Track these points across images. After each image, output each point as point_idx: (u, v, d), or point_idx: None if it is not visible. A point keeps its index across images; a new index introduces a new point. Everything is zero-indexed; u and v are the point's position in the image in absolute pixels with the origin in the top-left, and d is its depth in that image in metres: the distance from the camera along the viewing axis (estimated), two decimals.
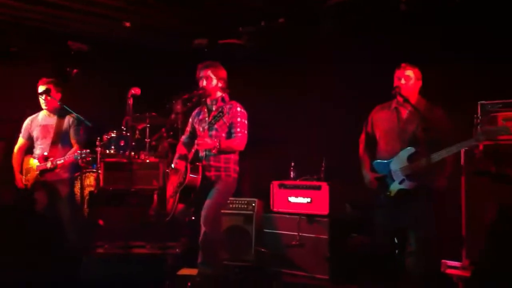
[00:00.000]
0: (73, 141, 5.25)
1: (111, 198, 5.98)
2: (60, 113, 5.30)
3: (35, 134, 5.33)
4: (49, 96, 5.20)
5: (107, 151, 6.21)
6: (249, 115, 4.67)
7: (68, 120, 5.30)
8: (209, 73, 4.61)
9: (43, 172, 5.13)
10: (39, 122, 5.36)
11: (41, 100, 5.26)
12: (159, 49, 7.41)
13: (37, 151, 5.28)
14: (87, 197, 6.17)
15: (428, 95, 4.35)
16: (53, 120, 5.31)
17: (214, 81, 4.62)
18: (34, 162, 5.20)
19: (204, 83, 4.61)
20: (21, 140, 5.42)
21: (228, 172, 4.57)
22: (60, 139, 5.24)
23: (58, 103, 5.22)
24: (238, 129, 4.53)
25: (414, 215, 4.09)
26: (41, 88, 5.24)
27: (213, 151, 4.46)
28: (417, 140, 4.13)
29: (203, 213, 4.43)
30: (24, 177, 5.26)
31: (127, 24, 6.57)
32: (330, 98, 6.13)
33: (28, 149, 5.38)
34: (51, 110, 5.32)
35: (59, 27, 6.78)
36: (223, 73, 4.67)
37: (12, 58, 6.74)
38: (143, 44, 7.33)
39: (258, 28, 6.51)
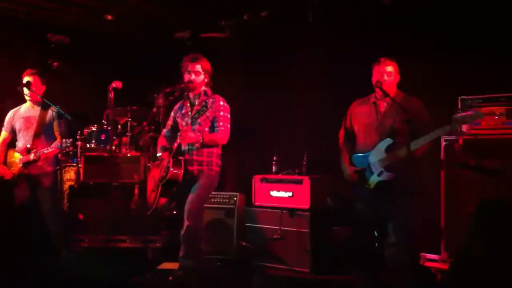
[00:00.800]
0: (56, 133, 5.20)
1: (91, 192, 5.93)
2: (44, 105, 5.22)
3: (17, 126, 5.26)
4: (29, 88, 5.10)
5: (88, 145, 6.16)
6: (232, 109, 4.67)
7: (51, 112, 5.22)
8: (198, 67, 4.58)
9: (26, 164, 5.05)
10: (21, 114, 5.29)
11: (25, 91, 5.19)
12: (141, 42, 7.37)
13: (20, 143, 5.22)
14: (67, 191, 6.12)
15: (411, 90, 4.39)
16: (36, 112, 5.23)
17: (202, 76, 4.60)
18: (16, 155, 5.15)
19: (193, 77, 4.57)
20: (3, 133, 5.35)
21: (211, 166, 4.57)
22: (43, 131, 5.16)
23: (39, 96, 5.14)
24: (221, 123, 4.53)
25: (393, 206, 4.14)
26: (24, 80, 5.16)
27: (196, 145, 4.45)
28: (395, 132, 4.17)
29: (186, 207, 4.42)
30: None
31: (109, 17, 6.51)
32: (312, 92, 6.14)
33: (12, 143, 5.31)
34: (35, 102, 5.25)
35: (41, 18, 6.70)
36: (209, 66, 4.65)
37: None
38: (125, 36, 7.27)
39: (241, 22, 6.50)
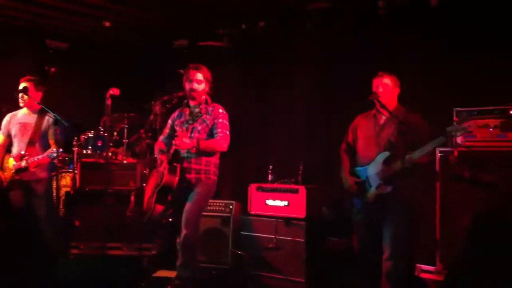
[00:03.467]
0: (51, 141, 5.18)
1: (87, 199, 5.92)
2: (41, 112, 5.21)
3: (13, 131, 5.24)
4: (26, 94, 5.11)
5: (84, 151, 6.15)
6: (228, 117, 4.68)
7: (47, 119, 5.20)
8: (200, 76, 4.60)
9: (18, 171, 5.05)
10: (18, 119, 5.27)
11: (19, 98, 5.18)
12: (138, 49, 7.39)
13: (14, 149, 5.21)
14: (63, 197, 6.10)
15: (407, 101, 4.41)
16: (33, 118, 5.21)
17: (203, 85, 4.62)
18: (11, 161, 5.13)
19: (195, 86, 4.59)
20: (0, 137, 5.34)
21: (208, 174, 4.58)
22: (38, 138, 5.15)
23: (35, 102, 5.13)
24: (219, 130, 4.55)
25: (390, 219, 4.14)
26: (20, 86, 5.16)
27: (192, 151, 4.46)
28: (392, 145, 4.18)
29: (184, 216, 4.42)
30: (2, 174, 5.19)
31: (107, 23, 6.53)
32: (310, 101, 6.16)
33: (10, 146, 5.28)
34: (32, 109, 5.24)
35: (39, 25, 6.72)
36: (210, 75, 4.68)
37: None
38: (123, 44, 7.30)
39: (239, 31, 6.53)
